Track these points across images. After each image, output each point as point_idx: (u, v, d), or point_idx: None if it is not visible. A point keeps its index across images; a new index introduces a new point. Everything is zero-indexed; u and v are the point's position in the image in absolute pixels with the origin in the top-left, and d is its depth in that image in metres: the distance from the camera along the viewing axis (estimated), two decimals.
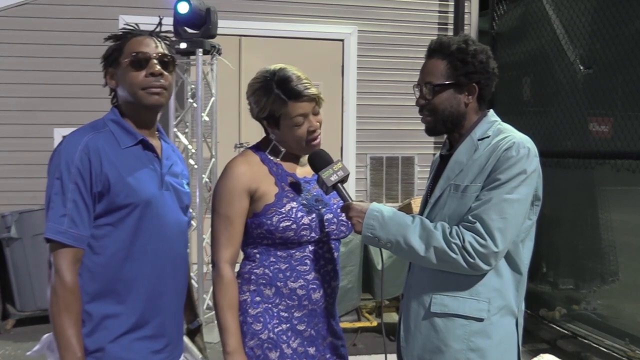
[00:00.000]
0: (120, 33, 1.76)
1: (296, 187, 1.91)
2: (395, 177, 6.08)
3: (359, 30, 5.90)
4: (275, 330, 1.86)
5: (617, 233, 4.53)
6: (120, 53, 1.72)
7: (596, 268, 4.70)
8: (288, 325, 1.87)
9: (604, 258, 4.63)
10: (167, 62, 1.74)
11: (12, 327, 4.85)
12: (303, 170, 1.98)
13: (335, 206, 1.95)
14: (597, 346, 4.45)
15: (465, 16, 6.00)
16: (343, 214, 1.88)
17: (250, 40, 5.71)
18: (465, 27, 6.02)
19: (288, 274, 1.86)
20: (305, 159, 1.99)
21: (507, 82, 5.88)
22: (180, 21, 4.52)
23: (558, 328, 4.89)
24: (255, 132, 5.75)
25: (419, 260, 1.71)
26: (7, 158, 5.23)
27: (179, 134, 5.06)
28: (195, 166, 4.93)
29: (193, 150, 5.02)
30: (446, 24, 6.09)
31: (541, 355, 3.54)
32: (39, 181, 5.21)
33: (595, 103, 4.56)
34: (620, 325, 4.42)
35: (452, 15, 6.02)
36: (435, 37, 1.87)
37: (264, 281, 1.87)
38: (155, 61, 1.71)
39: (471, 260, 1.64)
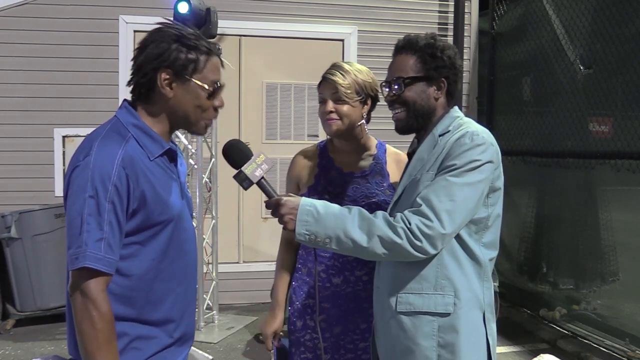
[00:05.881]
0: (204, 47, 1.56)
1: (334, 182, 2.08)
2: None
3: (359, 30, 5.90)
4: (302, 302, 2.14)
5: (617, 233, 4.52)
6: (195, 69, 1.54)
7: (596, 268, 4.69)
8: (313, 301, 2.12)
9: (604, 258, 4.62)
10: None
11: (12, 327, 4.83)
12: (354, 166, 2.11)
13: (382, 198, 2.07)
14: (597, 346, 4.45)
15: (465, 16, 6.00)
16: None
17: (250, 40, 5.71)
18: (465, 27, 6.01)
19: (314, 258, 2.12)
20: (365, 155, 2.13)
21: (507, 82, 5.88)
22: (180, 21, 4.49)
23: (558, 328, 4.89)
24: (255, 132, 5.80)
25: (364, 253, 1.62)
26: (7, 158, 5.23)
27: (179, 133, 5.05)
28: (195, 166, 4.93)
29: (193, 150, 5.02)
30: (446, 24, 6.09)
31: (541, 355, 3.53)
32: (39, 181, 5.27)
33: (595, 103, 4.55)
34: (620, 325, 4.41)
35: (452, 15, 6.02)
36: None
37: (302, 260, 2.17)
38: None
39: (418, 243, 1.58)
